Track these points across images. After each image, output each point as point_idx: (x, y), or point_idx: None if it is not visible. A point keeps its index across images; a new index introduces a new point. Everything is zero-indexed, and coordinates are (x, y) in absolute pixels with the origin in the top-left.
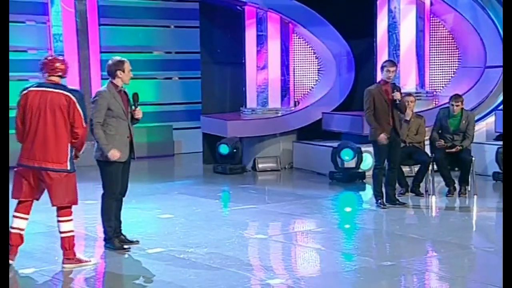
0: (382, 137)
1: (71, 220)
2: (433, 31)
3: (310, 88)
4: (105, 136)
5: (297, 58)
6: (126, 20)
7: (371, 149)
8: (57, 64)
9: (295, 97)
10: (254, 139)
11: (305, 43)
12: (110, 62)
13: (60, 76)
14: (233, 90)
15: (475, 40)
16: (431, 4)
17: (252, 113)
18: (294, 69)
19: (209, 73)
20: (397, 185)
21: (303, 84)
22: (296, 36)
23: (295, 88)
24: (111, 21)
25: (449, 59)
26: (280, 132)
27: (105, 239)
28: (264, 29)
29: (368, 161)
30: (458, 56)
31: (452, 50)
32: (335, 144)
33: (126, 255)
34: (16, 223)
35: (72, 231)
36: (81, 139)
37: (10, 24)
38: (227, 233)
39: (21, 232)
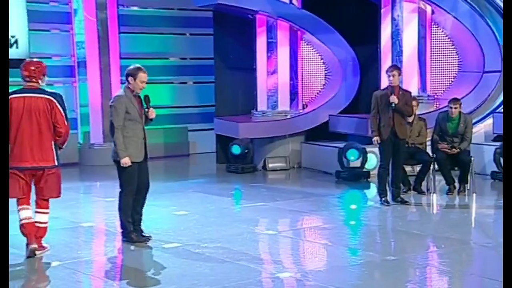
0: (375, 139)
1: (48, 212)
2: (434, 38)
3: (318, 91)
4: (123, 139)
5: (305, 64)
6: (144, 28)
7: (375, 149)
8: (32, 68)
9: (303, 100)
10: (265, 140)
11: (312, 49)
12: (130, 67)
13: (36, 81)
14: (244, 93)
15: (474, 46)
16: (432, 12)
17: (262, 115)
18: (302, 74)
19: (222, 78)
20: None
21: (311, 88)
22: (304, 42)
23: (303, 91)
24: (130, 29)
25: (449, 64)
26: (289, 134)
27: (123, 234)
28: (274, 36)
29: (372, 161)
30: (457, 62)
31: (452, 56)
32: (341, 145)
33: (144, 250)
34: (23, 214)
35: (47, 222)
36: (64, 136)
37: (36, 32)
38: (239, 229)
39: (31, 220)
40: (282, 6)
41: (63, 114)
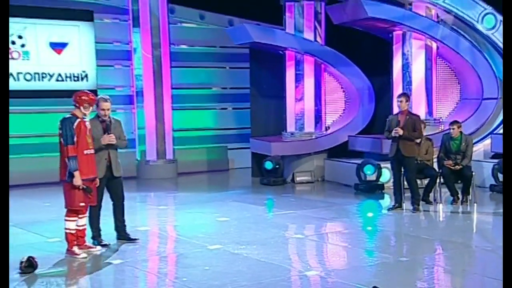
0: (395, 132)
1: (71, 220)
2: (439, 69)
3: (339, 116)
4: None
5: (328, 92)
6: (191, 63)
7: (388, 165)
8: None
9: (326, 123)
10: (293, 157)
11: (334, 79)
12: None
13: (75, 106)
14: (276, 117)
15: (473, 77)
16: (438, 48)
17: (291, 136)
18: (325, 100)
19: (257, 104)
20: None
21: (332, 113)
22: (327, 74)
23: (326, 116)
24: (180, 64)
25: (452, 92)
26: (314, 152)
27: (92, 237)
28: (301, 69)
29: (386, 175)
30: (460, 90)
31: (455, 85)
32: (359, 161)
33: (192, 250)
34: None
35: (70, 228)
36: (65, 155)
37: (102, 68)
38: (272, 233)
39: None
40: (308, 44)
41: (63, 135)
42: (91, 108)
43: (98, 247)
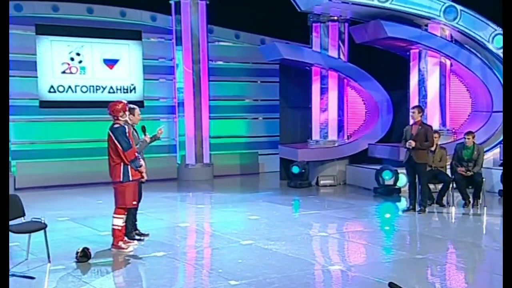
0: (409, 144)
1: (119, 218)
2: (452, 84)
3: (359, 125)
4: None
5: (350, 104)
6: (227, 77)
7: (405, 170)
8: (108, 111)
9: (348, 132)
10: (317, 162)
11: (356, 93)
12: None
13: (113, 117)
14: (302, 126)
15: (484, 91)
16: (451, 65)
17: (316, 143)
18: (347, 111)
19: (285, 115)
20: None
21: (354, 123)
22: (349, 87)
23: (348, 125)
24: (217, 78)
25: (464, 105)
26: (337, 158)
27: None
28: (326, 83)
29: (402, 180)
30: (471, 103)
31: (467, 99)
32: (378, 167)
33: (226, 245)
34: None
35: (117, 225)
36: (125, 158)
37: (148, 81)
38: (298, 231)
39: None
40: (332, 60)
41: (118, 143)
42: (126, 113)
43: (135, 241)
